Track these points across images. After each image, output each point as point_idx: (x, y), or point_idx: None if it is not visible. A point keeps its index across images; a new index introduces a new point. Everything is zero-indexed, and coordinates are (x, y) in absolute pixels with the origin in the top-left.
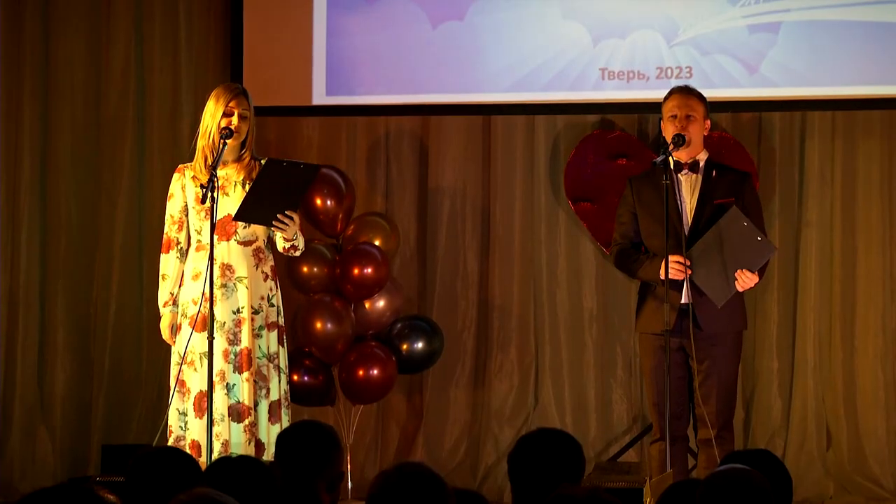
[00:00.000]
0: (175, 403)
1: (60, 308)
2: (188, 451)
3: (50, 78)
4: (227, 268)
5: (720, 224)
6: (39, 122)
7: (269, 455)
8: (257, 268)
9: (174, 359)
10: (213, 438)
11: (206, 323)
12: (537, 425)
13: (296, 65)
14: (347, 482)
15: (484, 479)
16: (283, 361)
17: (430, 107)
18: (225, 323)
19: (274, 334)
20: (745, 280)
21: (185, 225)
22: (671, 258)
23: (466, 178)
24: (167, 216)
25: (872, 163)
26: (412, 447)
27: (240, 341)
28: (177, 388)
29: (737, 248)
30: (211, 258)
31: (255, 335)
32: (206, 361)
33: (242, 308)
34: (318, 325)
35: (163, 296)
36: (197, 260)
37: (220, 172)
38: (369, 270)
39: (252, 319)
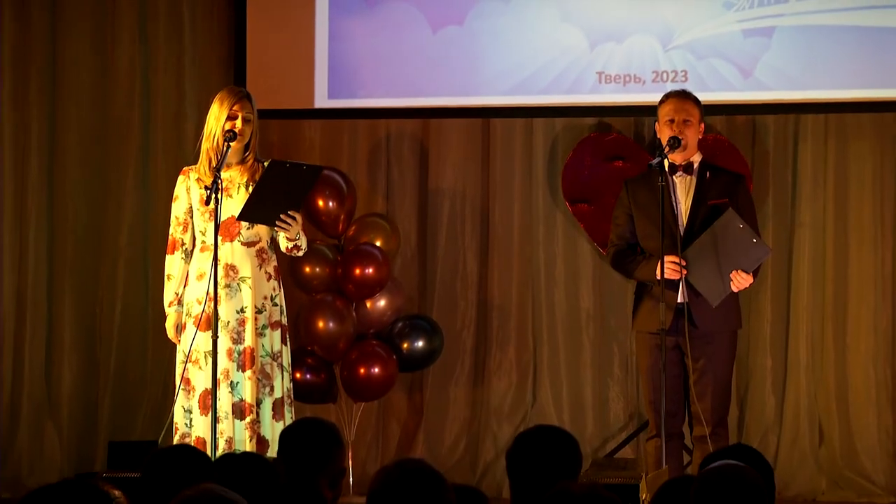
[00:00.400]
0: (180, 401)
1: (67, 307)
2: None
3: (56, 80)
4: (230, 268)
5: (716, 225)
6: (46, 124)
7: (272, 452)
8: (261, 268)
9: (179, 357)
10: (218, 435)
11: (211, 322)
12: (535, 422)
13: (298, 68)
14: (349, 478)
15: (483, 475)
16: (286, 360)
17: (430, 110)
18: (229, 322)
19: (277, 333)
20: (741, 281)
21: (189, 226)
22: (667, 258)
23: (466, 179)
24: (172, 218)
25: (864, 165)
26: (413, 444)
27: (243, 340)
28: (182, 387)
29: (732, 250)
30: (215, 259)
31: (259, 334)
32: (210, 360)
33: (246, 307)
34: (321, 324)
35: (168, 296)
36: (201, 260)
37: (224, 174)
38: (370, 270)
39: (255, 319)
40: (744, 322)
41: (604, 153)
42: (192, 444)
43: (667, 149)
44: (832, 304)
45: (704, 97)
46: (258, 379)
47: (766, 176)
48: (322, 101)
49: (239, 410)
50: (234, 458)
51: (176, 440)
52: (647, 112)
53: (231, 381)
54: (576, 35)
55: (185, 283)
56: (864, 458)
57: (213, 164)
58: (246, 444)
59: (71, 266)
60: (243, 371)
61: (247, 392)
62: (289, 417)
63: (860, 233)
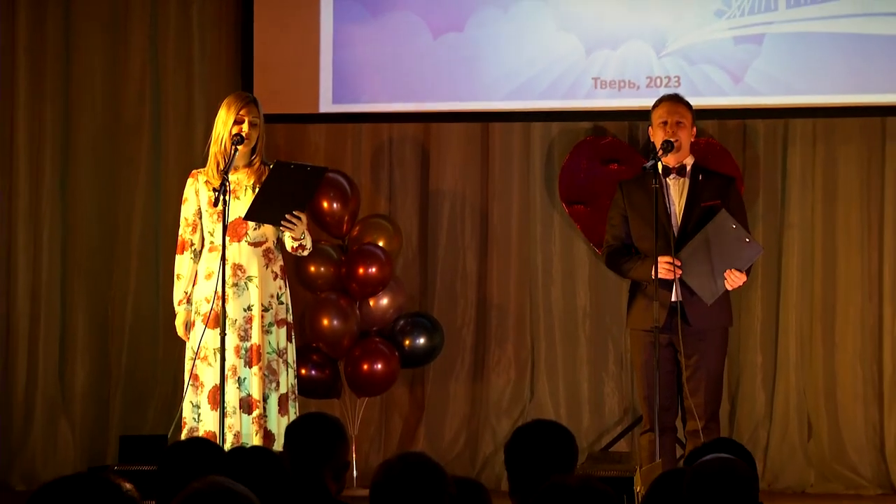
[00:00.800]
0: (189, 396)
1: (80, 306)
2: None
3: (70, 86)
4: (238, 268)
5: (709, 226)
6: (60, 128)
7: (278, 445)
8: (267, 267)
9: (188, 354)
10: (226, 430)
11: (219, 320)
12: (533, 417)
13: (303, 74)
14: (353, 471)
15: (482, 467)
16: (291, 356)
17: (431, 114)
18: (236, 320)
19: (283, 330)
20: (734, 279)
21: (198, 227)
22: (661, 259)
23: (466, 181)
24: (181, 219)
25: (852, 168)
26: (414, 438)
27: (250, 337)
28: (190, 382)
29: (725, 250)
30: (223, 258)
31: (265, 331)
32: (218, 356)
33: (253, 306)
34: (325, 321)
35: (177, 294)
36: (210, 260)
37: (232, 177)
38: (373, 270)
39: (262, 316)
40: (735, 320)
41: (599, 156)
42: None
43: (660, 152)
44: (820, 302)
45: (697, 102)
46: (265, 375)
47: (757, 178)
48: (326, 105)
49: (246, 405)
50: (243, 452)
51: (184, 434)
52: (642, 116)
53: (239, 377)
54: (572, 42)
55: (194, 282)
56: (852, 451)
57: (221, 166)
58: (253, 438)
59: (83, 266)
60: (250, 367)
61: (254, 387)
62: (293, 412)
63: (847, 234)
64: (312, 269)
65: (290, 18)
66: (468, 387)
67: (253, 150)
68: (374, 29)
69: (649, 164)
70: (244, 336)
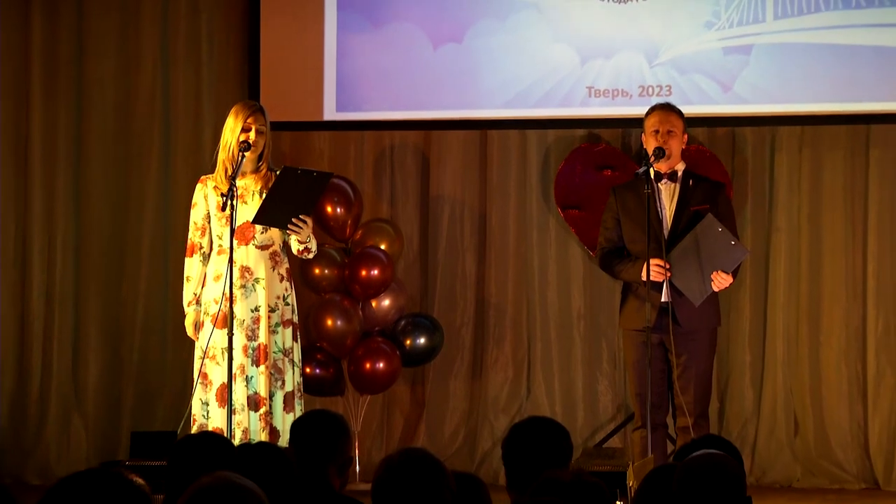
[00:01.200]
0: (198, 394)
1: (93, 307)
2: None
3: (83, 92)
4: (246, 270)
5: (696, 230)
6: (73, 134)
7: (283, 442)
8: (274, 270)
9: (197, 353)
10: (234, 426)
11: (227, 320)
12: (529, 414)
13: (308, 83)
14: (356, 466)
15: (481, 463)
16: (297, 355)
17: (431, 122)
18: (244, 320)
19: (289, 331)
20: (721, 281)
21: (207, 231)
22: (652, 261)
23: (465, 187)
24: (191, 223)
25: (837, 173)
26: (415, 434)
27: (257, 337)
28: (199, 380)
29: (712, 252)
30: (231, 261)
31: (272, 331)
32: (226, 355)
33: (260, 307)
34: (329, 322)
35: (187, 296)
36: (218, 263)
37: (240, 182)
38: (376, 272)
39: (269, 317)
40: (724, 320)
41: (593, 162)
42: None
43: (652, 158)
44: (807, 303)
45: (687, 110)
46: (271, 373)
47: (745, 184)
48: (330, 113)
49: (254, 403)
50: (250, 448)
51: (194, 430)
52: (634, 124)
53: (246, 376)
54: (567, 52)
55: (203, 283)
56: (837, 447)
57: (229, 172)
58: (260, 435)
59: (96, 268)
60: (257, 366)
61: (261, 385)
62: (299, 410)
63: (833, 237)
64: (317, 271)
65: (296, 29)
66: (467, 385)
67: (260, 157)
68: (376, 40)
69: (641, 170)
70: (252, 336)
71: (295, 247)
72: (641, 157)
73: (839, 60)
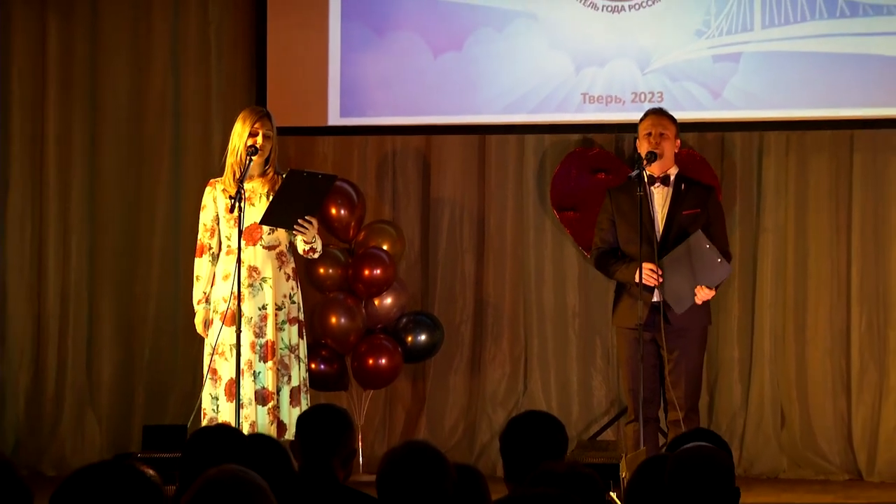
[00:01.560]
0: (207, 389)
1: (106, 306)
2: None
3: (96, 100)
4: (253, 269)
5: (688, 243)
6: (88, 140)
7: (290, 435)
8: (280, 269)
9: (207, 350)
10: (242, 420)
11: (235, 318)
12: (526, 408)
13: (313, 89)
14: (359, 458)
15: (479, 455)
16: (302, 352)
17: (431, 127)
18: (252, 318)
19: (295, 328)
20: (703, 295)
21: (216, 232)
22: (645, 266)
23: (464, 189)
24: (200, 224)
25: (822, 177)
26: (416, 427)
27: (265, 334)
28: (209, 376)
29: (699, 267)
30: (239, 261)
31: (279, 329)
32: (235, 352)
33: (267, 305)
34: (333, 319)
35: (196, 294)
36: (227, 262)
37: (247, 185)
38: (378, 272)
39: (276, 315)
40: (713, 318)
41: (588, 166)
42: None
43: (644, 162)
44: (793, 302)
45: (678, 116)
46: (278, 369)
47: (734, 187)
48: (335, 119)
49: (261, 397)
50: (250, 440)
51: (204, 423)
52: (627, 129)
53: (254, 371)
54: (563, 60)
55: (212, 283)
56: (821, 440)
57: (237, 176)
58: (267, 428)
59: (109, 269)
60: (265, 362)
61: (268, 381)
62: (305, 404)
63: (818, 238)
64: (322, 270)
65: (302, 38)
66: (466, 380)
67: (266, 161)
68: (379, 48)
69: (634, 173)
70: (259, 333)
71: (301, 247)
72: (634, 161)
73: (824, 68)
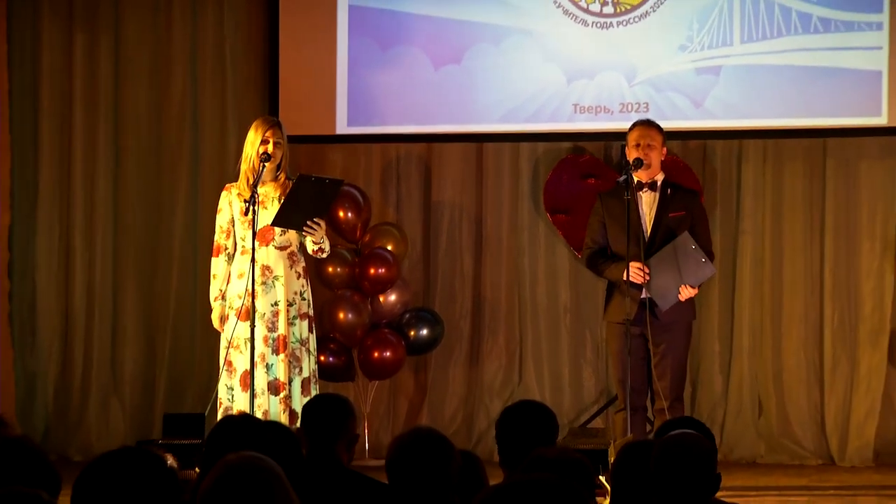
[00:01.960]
0: (223, 380)
1: (129, 303)
2: None
3: (120, 112)
4: (266, 268)
5: (674, 244)
6: (112, 148)
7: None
8: (291, 268)
9: (223, 343)
10: (256, 408)
11: (250, 314)
12: (521, 398)
13: (322, 100)
14: (365, 444)
15: (477, 441)
16: (312, 345)
17: (432, 135)
18: (265, 314)
19: (305, 323)
20: (687, 293)
21: (231, 233)
22: (632, 264)
23: (463, 194)
24: (217, 226)
25: (797, 182)
26: (418, 416)
27: (277, 329)
28: (225, 368)
29: (684, 266)
30: (252, 260)
31: (290, 324)
32: (249, 345)
33: (279, 301)
34: (341, 315)
35: (213, 292)
36: (241, 262)
37: (260, 190)
38: (383, 270)
39: (287, 311)
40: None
41: (578, 172)
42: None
43: (632, 168)
44: (770, 298)
45: (663, 125)
46: (289, 361)
47: (715, 191)
48: (342, 128)
49: (274, 388)
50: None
51: (220, 412)
52: (616, 137)
53: (267, 363)
54: (555, 72)
55: (227, 281)
56: (796, 427)
57: (251, 181)
58: (280, 416)
59: (132, 268)
60: (277, 354)
61: (280, 372)
62: (315, 394)
63: (793, 239)
64: (330, 269)
65: (311, 52)
66: (465, 372)
67: (278, 167)
68: (383, 61)
69: (621, 178)
70: (272, 327)
71: (310, 247)
72: (622, 167)
73: (799, 80)
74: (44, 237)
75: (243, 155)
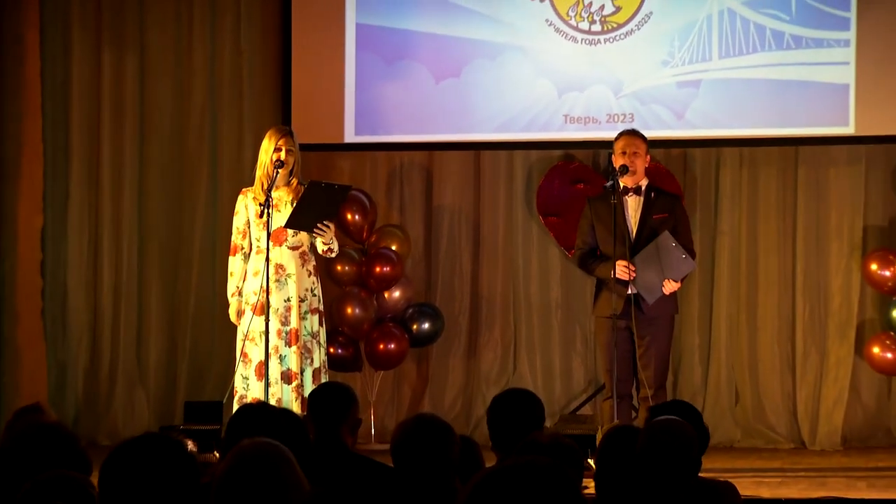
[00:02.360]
0: (239, 370)
1: (153, 298)
2: None
3: (145, 122)
4: (279, 267)
5: (656, 242)
6: (136, 156)
7: None
8: (303, 266)
9: (239, 336)
10: (270, 397)
11: (264, 309)
12: (515, 387)
13: (332, 111)
14: (371, 430)
15: (475, 427)
16: (322, 338)
17: (433, 144)
18: (278, 309)
19: (316, 317)
20: (670, 287)
21: (247, 234)
22: (619, 263)
23: (462, 198)
24: (234, 228)
25: (771, 187)
26: (420, 404)
27: (290, 322)
28: (241, 359)
29: (666, 262)
30: (267, 259)
31: (302, 318)
32: (263, 338)
33: (291, 297)
34: (349, 310)
35: (230, 288)
36: (257, 261)
37: (274, 194)
38: (388, 269)
39: (299, 306)
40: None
41: (569, 178)
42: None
43: (619, 174)
44: (745, 295)
45: (647, 134)
46: (301, 353)
47: (695, 195)
48: (350, 136)
49: (286, 377)
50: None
51: (236, 401)
52: (603, 146)
53: (280, 355)
54: (547, 86)
55: (244, 278)
56: (770, 414)
57: (265, 186)
58: (293, 404)
59: (156, 266)
60: (290, 346)
61: (293, 363)
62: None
63: (767, 239)
64: (339, 268)
65: (321, 67)
66: (464, 363)
67: (290, 173)
68: (388, 76)
69: (609, 183)
70: (285, 321)
71: (320, 247)
72: (609, 173)
73: (773, 93)
74: (74, 238)
75: (258, 162)
